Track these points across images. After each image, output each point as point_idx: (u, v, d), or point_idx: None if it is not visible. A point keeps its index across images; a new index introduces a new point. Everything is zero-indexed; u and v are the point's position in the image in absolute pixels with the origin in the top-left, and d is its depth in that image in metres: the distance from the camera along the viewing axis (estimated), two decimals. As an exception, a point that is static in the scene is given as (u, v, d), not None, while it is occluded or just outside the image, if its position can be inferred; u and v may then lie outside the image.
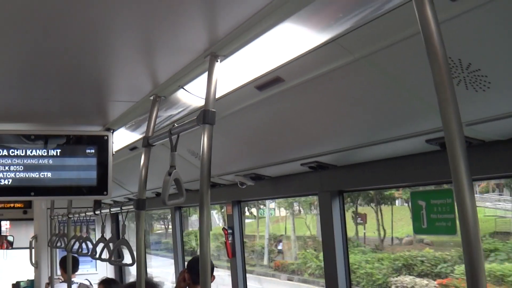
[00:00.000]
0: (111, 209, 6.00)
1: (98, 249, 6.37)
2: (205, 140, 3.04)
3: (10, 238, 13.11)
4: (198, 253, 3.19)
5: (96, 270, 10.97)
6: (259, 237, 26.27)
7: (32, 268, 11.31)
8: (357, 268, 15.03)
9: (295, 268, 21.53)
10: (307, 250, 21.66)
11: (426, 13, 1.83)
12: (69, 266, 7.92)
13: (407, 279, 13.03)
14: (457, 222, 3.45)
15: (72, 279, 8.40)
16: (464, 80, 2.59)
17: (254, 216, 28.34)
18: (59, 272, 9.90)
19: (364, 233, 18.39)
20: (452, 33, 2.34)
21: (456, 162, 1.78)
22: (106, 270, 11.02)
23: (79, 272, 9.89)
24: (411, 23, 2.10)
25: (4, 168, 5.01)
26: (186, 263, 7.28)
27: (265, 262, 23.61)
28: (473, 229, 1.73)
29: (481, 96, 2.62)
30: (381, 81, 2.99)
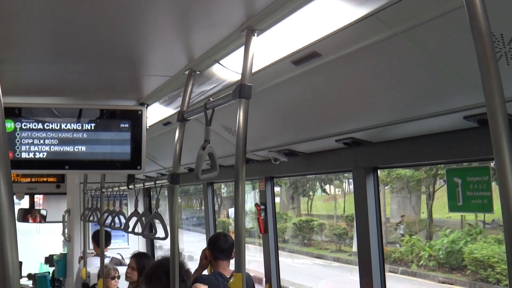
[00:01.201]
0: (145, 184, 6.02)
1: (131, 223, 6.41)
2: (241, 114, 3.03)
3: (43, 212, 13.24)
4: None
5: (128, 244, 11.05)
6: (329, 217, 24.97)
7: (65, 242, 11.42)
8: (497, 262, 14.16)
9: (397, 257, 19.00)
10: (413, 236, 19.45)
11: (471, -14, 1.80)
12: (102, 240, 7.99)
13: None
14: (493, 200, 3.45)
15: (105, 253, 8.47)
16: (505, 55, 2.55)
17: (327, 193, 27.31)
18: (91, 246, 10.00)
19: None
20: (494, 7, 2.30)
21: (499, 138, 1.75)
22: (138, 245, 11.10)
23: (111, 246, 9.99)
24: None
25: (39, 141, 5.05)
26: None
27: (354, 248, 20.71)
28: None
29: (522, 72, 2.58)
30: (420, 56, 2.95)
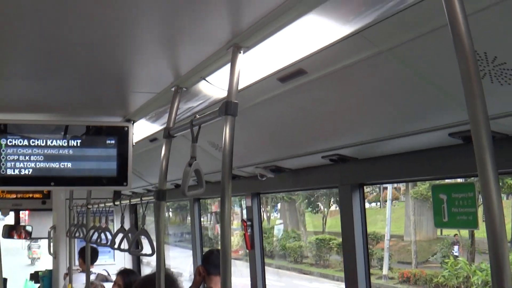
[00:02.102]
0: (131, 200, 6.02)
1: (117, 240, 6.39)
2: (227, 131, 3.03)
3: (28, 228, 13.17)
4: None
5: (114, 261, 11.02)
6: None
7: (51, 258, 11.37)
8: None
9: (440, 282, 16.65)
10: (459, 258, 17.00)
11: (454, 5, 1.81)
12: (88, 256, 7.96)
13: None
14: (479, 216, 3.47)
15: (91, 269, 8.44)
16: (489, 74, 2.57)
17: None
18: (77, 263, 9.97)
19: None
20: (478, 26, 2.32)
21: (482, 156, 1.76)
22: (124, 261, 11.06)
23: (97, 262, 9.95)
24: (436, 15, 2.09)
25: (25, 158, 5.04)
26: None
27: (385, 271, 19.53)
28: (499, 223, 1.72)
29: (506, 90, 2.60)
30: (405, 73, 2.97)
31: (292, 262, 23.56)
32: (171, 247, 25.73)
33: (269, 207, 27.86)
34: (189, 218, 8.44)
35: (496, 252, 1.71)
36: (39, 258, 39.89)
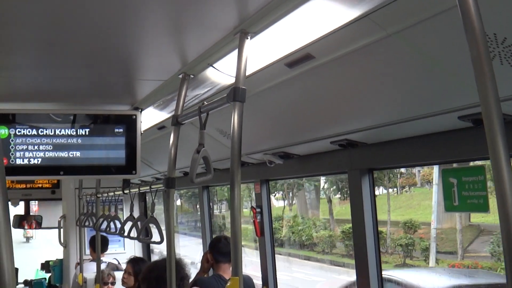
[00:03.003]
0: (141, 188, 6.02)
1: (126, 228, 6.40)
2: (235, 117, 3.02)
3: (38, 218, 13.20)
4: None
5: (124, 249, 11.04)
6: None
7: (61, 248, 11.40)
8: None
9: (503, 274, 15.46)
10: None
11: (464, -14, 1.80)
12: (98, 244, 7.97)
13: None
14: (489, 199, 3.45)
15: (101, 258, 8.46)
16: (499, 55, 2.55)
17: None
18: (88, 252, 9.98)
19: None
20: (487, 7, 2.30)
21: (494, 138, 1.75)
22: (134, 250, 11.08)
23: (107, 251, 9.97)
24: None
25: (34, 147, 5.04)
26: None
27: (432, 262, 17.34)
28: (511, 204, 1.70)
29: (516, 72, 2.59)
30: (413, 57, 2.95)
31: (320, 253, 22.93)
32: (183, 236, 25.56)
33: (291, 193, 27.39)
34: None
35: (509, 235, 1.70)
36: (32, 236, 42.19)
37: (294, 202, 27.39)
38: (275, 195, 28.03)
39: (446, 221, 17.89)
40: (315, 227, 24.17)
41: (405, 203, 21.54)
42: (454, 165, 4.05)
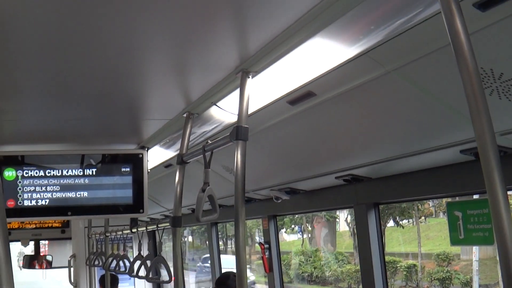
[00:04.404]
0: (148, 227, 6.03)
1: (136, 266, 6.40)
2: (238, 156, 3.05)
3: (49, 258, 13.19)
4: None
5: (135, 287, 11.01)
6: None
7: (71, 287, 11.38)
8: None
9: None
10: None
11: (456, 25, 1.83)
12: (107, 284, 7.98)
13: None
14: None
15: (111, 297, 8.46)
16: (497, 90, 2.58)
17: (400, 225, 21.98)
18: (98, 291, 9.97)
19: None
20: (483, 43, 2.33)
21: (490, 172, 1.77)
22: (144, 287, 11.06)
23: (118, 289, 9.96)
24: (441, 34, 2.10)
25: (41, 188, 5.06)
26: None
27: None
28: (509, 238, 1.72)
29: (514, 106, 2.61)
30: (413, 93, 2.98)
31: None
32: (192, 273, 25.37)
33: (309, 227, 27.12)
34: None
35: (508, 268, 1.71)
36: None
37: (312, 235, 26.99)
38: (293, 229, 27.66)
39: (481, 251, 17.42)
40: (337, 261, 23.69)
41: (422, 234, 21.19)
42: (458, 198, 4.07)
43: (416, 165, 3.88)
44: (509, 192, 2.01)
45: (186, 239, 27.83)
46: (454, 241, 3.81)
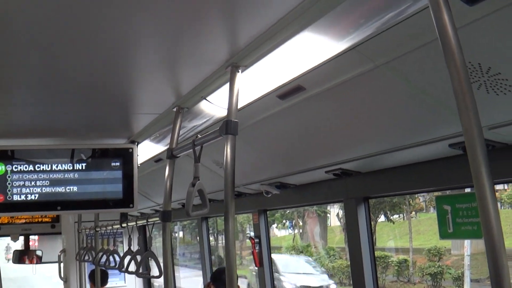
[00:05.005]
0: (138, 222, 6.03)
1: (126, 261, 6.40)
2: (228, 150, 3.05)
3: (38, 253, 13.16)
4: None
5: (125, 282, 11.00)
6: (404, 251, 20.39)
7: (61, 282, 11.37)
8: None
9: None
10: None
11: (443, 19, 1.83)
12: (98, 279, 7.97)
13: None
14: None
15: (101, 292, 8.45)
16: (484, 84, 2.59)
17: (391, 220, 22.22)
18: (88, 286, 9.96)
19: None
20: (471, 37, 2.34)
21: (477, 166, 1.78)
22: (135, 283, 11.04)
23: (108, 285, 9.94)
24: (430, 28, 2.10)
25: (31, 183, 5.05)
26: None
27: None
28: (496, 233, 1.73)
29: (502, 100, 2.62)
30: (402, 87, 2.99)
31: (338, 284, 22.29)
32: (183, 268, 25.31)
33: (301, 222, 27.08)
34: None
35: (495, 263, 1.72)
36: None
37: (304, 230, 26.93)
38: (284, 224, 27.58)
39: (472, 246, 17.32)
40: (329, 256, 23.68)
41: (413, 229, 21.18)
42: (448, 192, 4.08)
43: (406, 159, 3.89)
44: (496, 186, 2.02)
45: (176, 234, 27.81)
46: (443, 235, 3.83)
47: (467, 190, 3.91)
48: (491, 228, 1.73)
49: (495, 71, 2.50)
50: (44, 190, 5.07)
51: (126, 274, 10.62)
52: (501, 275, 1.71)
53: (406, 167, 3.97)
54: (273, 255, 6.15)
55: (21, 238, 12.54)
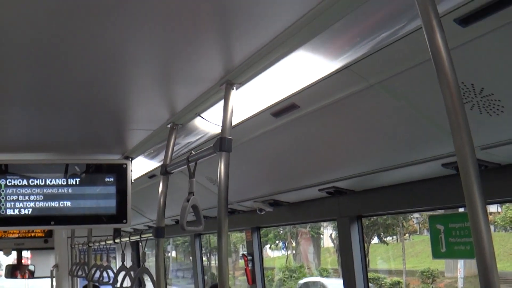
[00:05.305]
0: (131, 237, 6.02)
1: (119, 277, 6.38)
2: (222, 167, 3.06)
3: (31, 268, 13.11)
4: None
5: (118, 298, 10.95)
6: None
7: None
8: None
9: None
10: None
11: (436, 40, 1.85)
12: (90, 295, 7.95)
13: None
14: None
15: (94, 308, 8.43)
16: (477, 105, 2.60)
17: (384, 241, 21.97)
18: (81, 302, 9.93)
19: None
20: (464, 58, 2.35)
21: (469, 186, 1.78)
22: (127, 298, 11.00)
23: (101, 301, 9.92)
24: (423, 49, 2.12)
25: (24, 197, 5.05)
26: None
27: None
28: (488, 252, 1.73)
29: (495, 120, 2.63)
30: (396, 106, 3.00)
31: None
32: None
33: (294, 243, 26.94)
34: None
35: (487, 281, 1.73)
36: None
37: (297, 251, 26.83)
38: (277, 245, 27.40)
39: (460, 270, 17.21)
40: (322, 277, 23.55)
41: (407, 251, 21.16)
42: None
43: (399, 178, 3.89)
44: (490, 209, 2.03)
45: (169, 254, 27.68)
46: (436, 255, 3.83)
47: (461, 209, 3.91)
48: (483, 248, 1.73)
49: (488, 92, 2.52)
50: (38, 204, 5.07)
51: (118, 290, 10.64)
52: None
53: (399, 186, 3.98)
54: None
55: (14, 252, 12.50)
